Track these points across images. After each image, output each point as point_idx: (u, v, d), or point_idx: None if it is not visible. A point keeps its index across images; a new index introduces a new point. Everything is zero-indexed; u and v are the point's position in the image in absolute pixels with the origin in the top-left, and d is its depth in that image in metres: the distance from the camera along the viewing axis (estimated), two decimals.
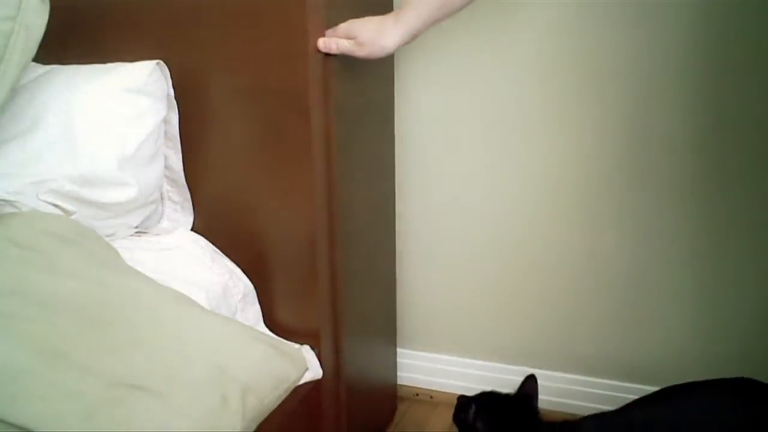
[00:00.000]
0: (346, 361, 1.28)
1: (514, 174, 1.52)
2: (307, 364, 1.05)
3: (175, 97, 1.16)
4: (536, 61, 1.44)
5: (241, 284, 1.18)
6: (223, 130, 1.18)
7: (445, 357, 1.71)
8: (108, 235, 1.10)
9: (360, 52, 1.12)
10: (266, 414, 0.93)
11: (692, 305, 1.47)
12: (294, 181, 1.16)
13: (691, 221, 1.43)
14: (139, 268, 1.00)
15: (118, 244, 1.06)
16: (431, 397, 1.71)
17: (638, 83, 1.39)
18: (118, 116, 1.10)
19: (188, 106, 1.18)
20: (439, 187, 1.59)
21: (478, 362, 1.68)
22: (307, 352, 1.17)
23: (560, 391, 1.61)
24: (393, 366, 1.67)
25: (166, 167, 1.20)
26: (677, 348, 1.50)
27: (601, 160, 1.45)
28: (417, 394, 1.72)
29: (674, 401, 1.16)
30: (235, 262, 1.20)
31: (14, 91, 1.10)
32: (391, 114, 1.51)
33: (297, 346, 1.17)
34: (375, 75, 1.39)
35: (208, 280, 1.12)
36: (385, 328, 1.59)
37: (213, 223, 1.23)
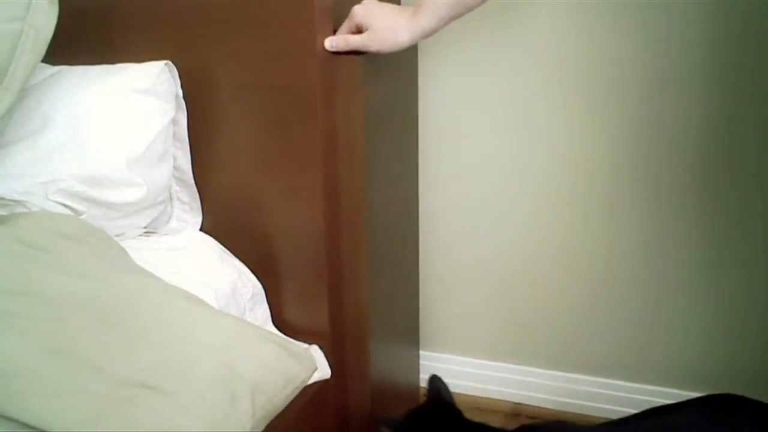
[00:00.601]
0: (370, 363, 1.26)
1: (536, 176, 1.51)
2: (316, 364, 1.04)
3: (184, 97, 1.17)
4: (557, 58, 1.43)
5: (249, 284, 1.18)
6: (231, 129, 1.18)
7: (467, 359, 1.69)
8: (117, 235, 1.10)
9: (372, 47, 1.08)
10: (275, 413, 0.93)
11: (717, 307, 1.45)
12: (302, 181, 1.16)
13: (710, 221, 1.42)
14: (147, 268, 1.00)
15: (127, 244, 1.06)
16: (461, 400, 1.68)
17: (655, 82, 1.38)
18: (127, 117, 1.10)
19: (196, 106, 1.18)
20: (462, 188, 1.57)
21: (503, 365, 1.66)
22: (316, 352, 1.17)
23: (586, 395, 1.59)
24: (416, 368, 1.65)
25: (175, 167, 1.20)
26: (702, 350, 1.48)
27: (618, 161, 1.44)
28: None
29: (654, 419, 1.11)
30: (243, 262, 1.20)
31: (24, 92, 1.10)
32: (415, 112, 1.50)
33: (306, 345, 1.17)
34: (400, 73, 1.37)
35: (217, 280, 1.12)
36: (408, 329, 1.57)
37: (221, 223, 1.23)
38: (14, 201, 1.02)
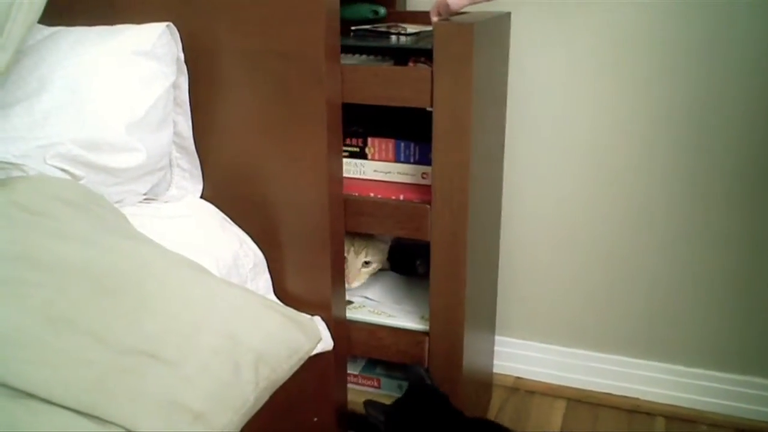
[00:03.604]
0: (464, 352, 1.25)
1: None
2: (320, 335, 1.03)
3: (185, 61, 1.14)
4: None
5: (251, 253, 1.16)
6: (233, 95, 1.15)
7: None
8: (116, 202, 1.08)
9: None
10: (279, 384, 0.92)
11: None
12: (306, 149, 1.13)
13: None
14: (147, 236, 0.98)
15: (127, 211, 1.04)
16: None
17: (703, 82, 1.39)
18: (126, 80, 1.07)
19: (198, 71, 1.15)
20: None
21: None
22: (319, 323, 1.16)
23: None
24: (490, 354, 1.65)
25: (175, 133, 1.17)
26: None
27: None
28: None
29: None
30: (245, 231, 1.18)
31: (20, 53, 1.07)
32: (504, 91, 1.48)
33: (309, 316, 1.15)
34: (498, 44, 1.34)
35: (218, 248, 1.10)
36: (489, 315, 1.56)
37: (223, 191, 1.21)
38: (11, 164, 0.99)
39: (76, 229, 0.90)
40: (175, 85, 1.13)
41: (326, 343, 1.16)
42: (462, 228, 1.16)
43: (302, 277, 1.20)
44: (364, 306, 1.34)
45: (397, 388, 1.44)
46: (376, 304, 1.35)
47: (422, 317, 1.29)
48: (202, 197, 1.21)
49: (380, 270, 1.40)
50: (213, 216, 1.17)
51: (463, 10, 1.22)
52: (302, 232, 1.18)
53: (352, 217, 1.22)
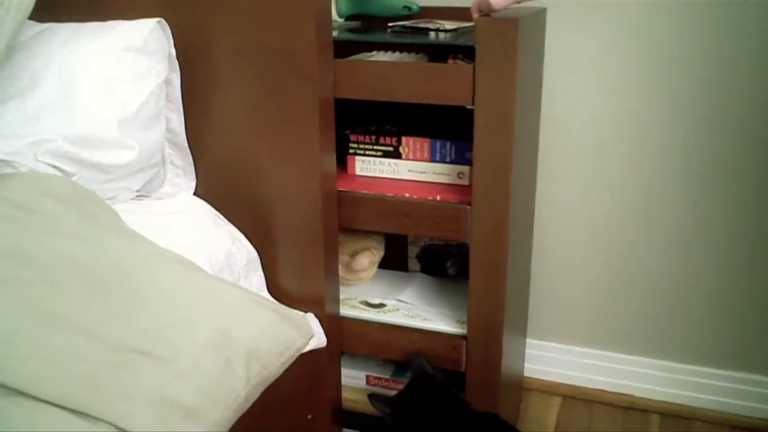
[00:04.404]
0: (502, 355, 1.23)
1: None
2: (312, 331, 1.03)
3: (177, 57, 1.13)
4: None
5: (244, 250, 1.16)
6: (225, 91, 1.15)
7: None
8: (108, 199, 1.07)
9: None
10: (271, 380, 0.92)
11: None
12: (299, 146, 1.13)
13: None
14: (140, 233, 0.98)
15: (119, 208, 1.04)
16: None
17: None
18: (118, 76, 1.07)
19: (189, 67, 1.15)
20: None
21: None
22: (312, 320, 1.15)
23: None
24: (522, 357, 1.63)
25: (168, 130, 1.17)
26: None
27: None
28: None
29: None
30: (238, 228, 1.18)
31: (11, 50, 1.07)
32: (540, 88, 1.46)
33: (302, 313, 1.15)
34: (536, 40, 1.33)
35: (211, 245, 1.10)
36: (521, 317, 1.54)
37: (216, 188, 1.20)
38: (2, 161, 0.99)
39: (68, 226, 0.90)
40: (167, 82, 1.13)
41: (319, 339, 1.16)
42: (503, 229, 1.14)
43: (295, 274, 1.20)
44: (398, 309, 1.32)
45: None
46: (410, 307, 1.33)
47: (458, 321, 1.27)
48: (194, 194, 1.21)
49: (410, 272, 1.40)
50: (206, 213, 1.17)
51: (504, 9, 1.18)
52: (295, 228, 1.18)
53: (386, 218, 1.20)
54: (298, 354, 0.98)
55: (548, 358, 1.67)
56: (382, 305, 1.32)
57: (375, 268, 1.36)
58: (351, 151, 1.30)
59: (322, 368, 1.23)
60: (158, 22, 1.09)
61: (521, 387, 1.66)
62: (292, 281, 1.21)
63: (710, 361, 1.56)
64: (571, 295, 1.62)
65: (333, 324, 1.24)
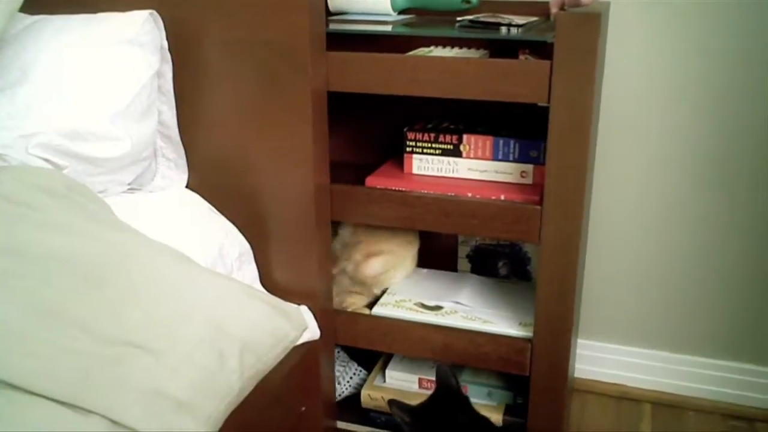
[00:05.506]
0: (570, 358, 1.20)
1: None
2: (306, 323, 1.03)
3: (169, 50, 1.13)
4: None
5: (237, 243, 1.16)
6: (218, 84, 1.15)
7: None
8: (100, 192, 1.07)
9: None
10: (265, 373, 0.92)
11: None
12: (291, 139, 1.13)
13: None
14: (132, 226, 0.98)
15: (111, 201, 1.03)
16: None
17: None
18: (110, 68, 1.07)
19: (182, 59, 1.14)
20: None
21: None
22: (306, 313, 1.16)
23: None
24: (574, 359, 1.58)
25: (160, 122, 1.16)
26: None
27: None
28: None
29: None
30: (231, 221, 1.18)
31: (1, 42, 1.06)
32: (601, 85, 1.39)
33: (295, 305, 1.15)
34: (604, 42, 1.28)
35: (204, 238, 1.10)
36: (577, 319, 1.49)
37: (208, 181, 1.20)
38: None
39: (60, 219, 0.89)
40: (159, 74, 1.12)
41: (313, 332, 1.16)
42: (576, 230, 1.10)
43: (288, 267, 1.20)
44: (455, 311, 1.29)
45: (486, 396, 1.34)
46: (469, 309, 1.30)
47: (520, 323, 1.24)
48: (187, 187, 1.20)
49: (461, 272, 1.36)
50: (198, 206, 1.17)
51: (588, 5, 1.14)
52: (288, 221, 1.17)
53: (450, 219, 1.17)
54: (291, 346, 0.99)
55: None
56: (438, 307, 1.30)
57: (391, 275, 1.34)
58: (408, 149, 1.28)
59: (316, 360, 1.23)
60: (150, 13, 1.09)
61: (572, 390, 1.60)
62: (285, 274, 1.21)
63: (702, 350, 1.57)
64: None
65: (326, 317, 1.24)
